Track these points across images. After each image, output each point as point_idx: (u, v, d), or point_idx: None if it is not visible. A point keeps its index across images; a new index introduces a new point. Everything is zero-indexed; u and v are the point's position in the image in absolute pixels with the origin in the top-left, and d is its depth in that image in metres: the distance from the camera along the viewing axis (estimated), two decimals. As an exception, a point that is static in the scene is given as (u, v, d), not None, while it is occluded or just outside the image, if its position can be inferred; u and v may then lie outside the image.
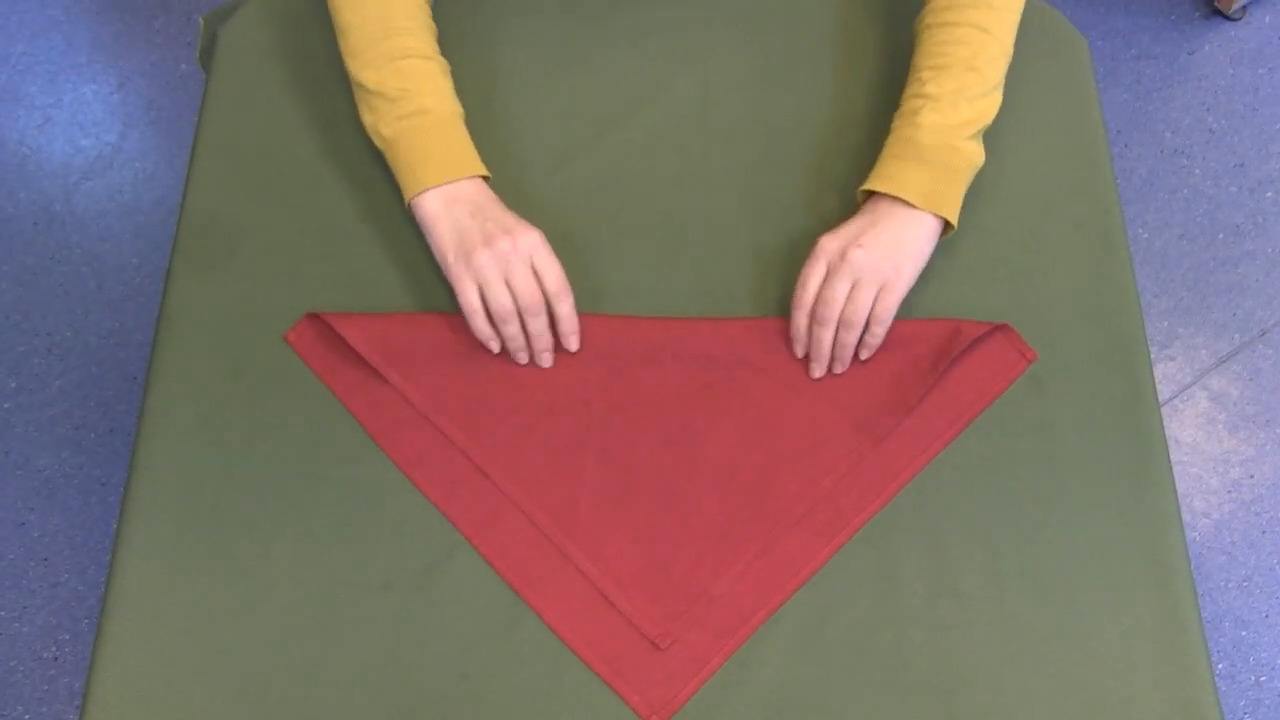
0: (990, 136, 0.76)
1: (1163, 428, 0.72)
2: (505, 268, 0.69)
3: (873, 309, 0.70)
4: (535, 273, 0.70)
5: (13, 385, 1.38)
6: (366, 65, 0.73)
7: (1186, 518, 1.33)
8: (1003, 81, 0.74)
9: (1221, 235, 1.49)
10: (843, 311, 0.69)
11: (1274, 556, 1.32)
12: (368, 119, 0.74)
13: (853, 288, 0.69)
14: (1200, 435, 1.38)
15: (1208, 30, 1.63)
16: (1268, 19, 1.64)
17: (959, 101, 0.72)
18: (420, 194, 0.71)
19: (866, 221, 0.71)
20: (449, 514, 0.69)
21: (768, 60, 0.85)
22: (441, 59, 0.76)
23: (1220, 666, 1.26)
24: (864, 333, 0.71)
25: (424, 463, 0.70)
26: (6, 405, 1.37)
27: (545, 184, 0.80)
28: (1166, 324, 1.44)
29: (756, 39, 0.86)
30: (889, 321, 0.70)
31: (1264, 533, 1.33)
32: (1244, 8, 1.62)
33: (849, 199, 0.79)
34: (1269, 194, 1.52)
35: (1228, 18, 1.63)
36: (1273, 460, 1.36)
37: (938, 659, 0.66)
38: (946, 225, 0.72)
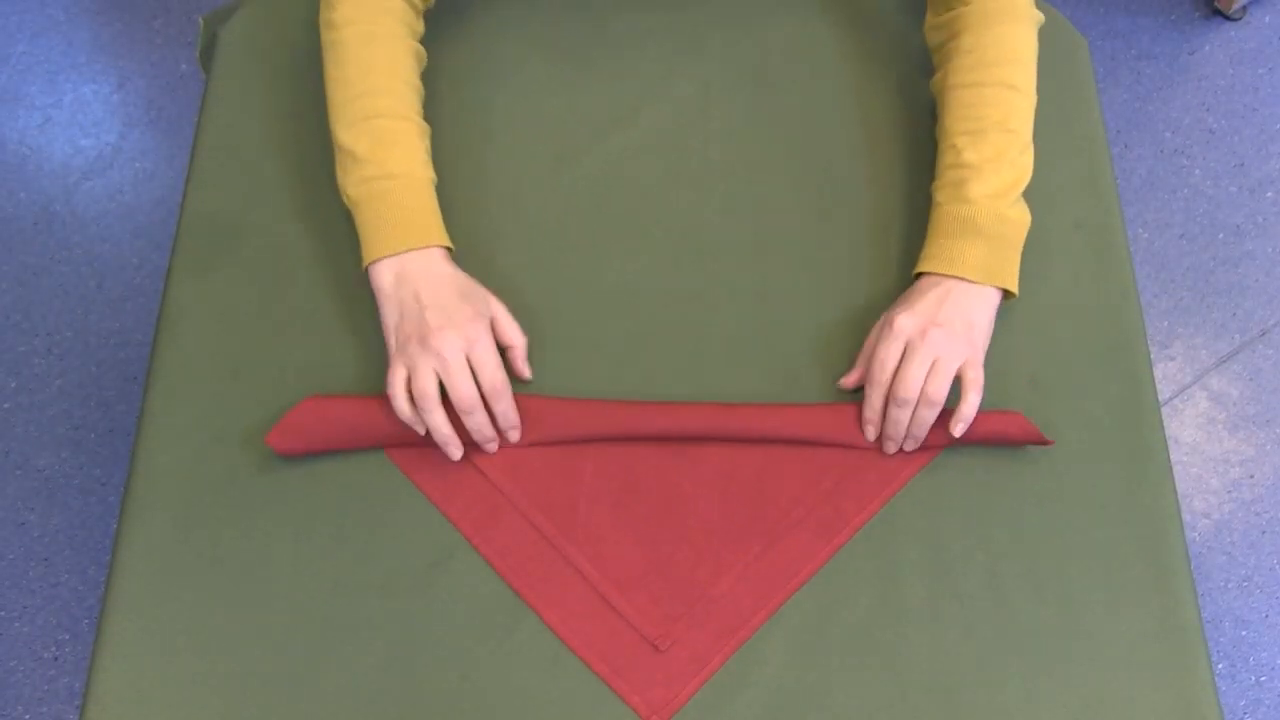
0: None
1: (1163, 428, 0.72)
2: (438, 364, 0.66)
3: (967, 379, 0.68)
4: (473, 368, 0.67)
5: (13, 385, 1.38)
6: (340, 121, 0.72)
7: (1186, 518, 1.33)
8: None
9: (1221, 235, 1.49)
10: (924, 389, 0.67)
11: (1274, 556, 1.32)
12: (339, 176, 0.72)
13: (932, 366, 0.68)
14: (1200, 435, 1.38)
15: (1208, 30, 1.63)
16: (1268, 19, 1.64)
17: (1001, 167, 0.71)
18: (374, 263, 0.70)
19: (936, 297, 0.69)
20: (449, 514, 0.69)
21: (768, 61, 0.85)
22: (420, 122, 0.74)
23: (1220, 666, 1.26)
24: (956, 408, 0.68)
25: (424, 463, 0.70)
26: (6, 405, 1.37)
27: (545, 184, 0.80)
28: (1166, 324, 1.44)
29: (756, 40, 0.86)
30: (981, 390, 0.68)
31: (1264, 533, 1.33)
32: (1244, 8, 1.62)
33: (848, 198, 0.79)
34: (1269, 194, 1.52)
35: (1228, 18, 1.63)
36: (1273, 460, 1.36)
37: (938, 659, 0.66)
38: (1006, 291, 0.71)
